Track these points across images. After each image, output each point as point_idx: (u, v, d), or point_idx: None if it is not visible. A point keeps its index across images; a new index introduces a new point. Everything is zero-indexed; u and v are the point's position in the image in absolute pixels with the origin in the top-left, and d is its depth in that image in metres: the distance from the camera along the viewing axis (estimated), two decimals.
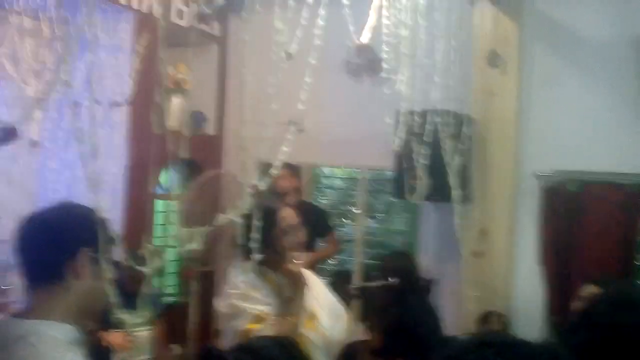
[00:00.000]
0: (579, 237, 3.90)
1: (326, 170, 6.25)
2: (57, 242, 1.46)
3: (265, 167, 2.31)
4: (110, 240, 1.52)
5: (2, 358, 1.32)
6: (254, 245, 2.09)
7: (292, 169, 4.51)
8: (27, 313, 1.43)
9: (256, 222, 2.10)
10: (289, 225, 2.32)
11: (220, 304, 2.38)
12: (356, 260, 5.11)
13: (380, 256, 4.34)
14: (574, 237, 3.91)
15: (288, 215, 2.33)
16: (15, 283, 3.02)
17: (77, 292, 1.44)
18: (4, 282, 3.57)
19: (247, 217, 2.13)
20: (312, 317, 2.32)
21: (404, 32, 2.63)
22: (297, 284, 2.30)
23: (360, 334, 4.53)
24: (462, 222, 3.62)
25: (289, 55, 2.11)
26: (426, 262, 4.23)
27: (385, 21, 2.59)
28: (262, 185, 2.04)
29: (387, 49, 2.61)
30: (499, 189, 4.01)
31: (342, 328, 2.47)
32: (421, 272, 3.83)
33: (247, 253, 2.30)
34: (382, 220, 6.37)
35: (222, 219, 1.89)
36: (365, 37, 2.43)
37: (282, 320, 2.23)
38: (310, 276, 2.42)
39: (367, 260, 5.41)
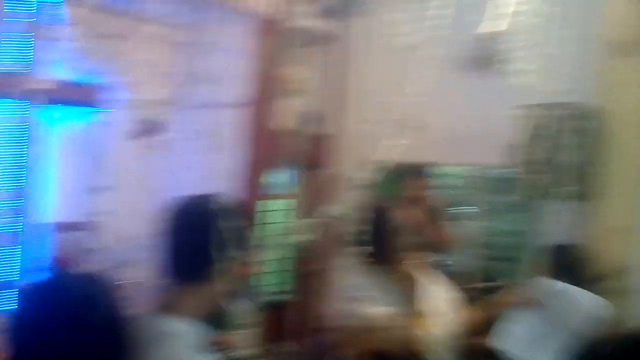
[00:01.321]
0: None
1: (444, 169, 6.13)
2: (211, 242, 1.47)
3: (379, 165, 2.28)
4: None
5: (147, 353, 1.37)
6: (365, 243, 2.07)
7: (423, 176, 4.44)
8: (167, 310, 1.47)
9: (367, 220, 2.07)
10: (407, 225, 2.28)
11: (334, 305, 2.39)
12: (472, 261, 4.98)
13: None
14: None
15: (409, 215, 2.28)
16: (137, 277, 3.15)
17: (216, 293, 1.49)
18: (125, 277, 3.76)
19: (375, 218, 2.10)
20: (423, 315, 2.28)
21: (534, 20, 2.53)
22: (410, 286, 2.26)
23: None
24: (582, 221, 3.43)
25: (413, 47, 2.08)
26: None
27: (513, 9, 2.50)
28: (373, 181, 2.02)
29: (512, 38, 2.51)
30: (628, 186, 3.75)
31: (453, 325, 2.42)
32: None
33: (358, 252, 2.30)
34: (498, 219, 6.17)
35: (333, 210, 1.90)
36: (491, 26, 2.36)
37: (397, 321, 2.20)
38: (421, 275, 2.37)
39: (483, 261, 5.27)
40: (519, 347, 2.59)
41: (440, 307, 2.37)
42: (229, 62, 4.22)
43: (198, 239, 1.47)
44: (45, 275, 1.43)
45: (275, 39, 4.44)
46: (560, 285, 2.69)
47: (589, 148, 3.45)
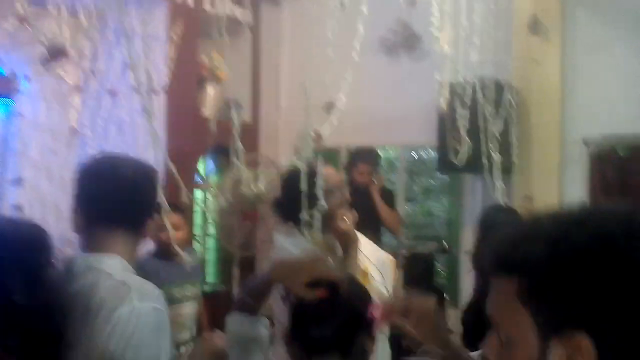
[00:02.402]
0: (629, 202, 3.76)
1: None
2: (143, 198, 1.55)
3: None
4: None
5: (76, 284, 1.41)
6: (298, 207, 2.02)
7: (369, 160, 4.52)
8: (93, 248, 1.51)
9: (300, 185, 2.02)
10: (333, 185, 2.25)
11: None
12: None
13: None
14: (624, 202, 3.77)
15: (330, 175, 2.25)
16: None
17: (139, 244, 1.57)
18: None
19: (288, 181, 2.06)
20: (364, 274, 2.26)
21: None
22: (350, 242, 2.23)
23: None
24: (506, 192, 3.52)
25: (344, 5, 2.05)
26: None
27: None
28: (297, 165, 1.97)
29: (429, 11, 2.54)
30: (544, 158, 3.91)
31: (391, 281, 2.43)
32: None
33: (289, 216, 2.25)
34: (421, 202, 6.31)
35: (286, 163, 1.85)
36: (407, 3, 2.37)
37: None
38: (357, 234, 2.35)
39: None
40: None
41: (374, 262, 2.36)
42: (143, 49, 4.08)
43: (138, 192, 1.54)
44: None
45: (191, 26, 4.34)
46: None
47: (507, 121, 3.55)
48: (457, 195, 4.86)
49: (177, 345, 3.00)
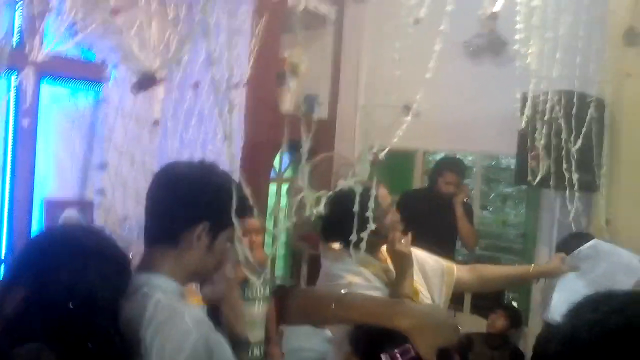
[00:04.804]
0: None
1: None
2: (178, 208, 1.48)
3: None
4: (242, 212, 1.50)
5: (124, 309, 1.38)
6: (344, 229, 1.97)
7: (457, 170, 4.44)
8: (141, 267, 1.49)
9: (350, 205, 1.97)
10: (386, 206, 2.19)
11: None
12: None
13: None
14: None
15: (383, 196, 2.19)
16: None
17: (190, 260, 1.48)
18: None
19: (338, 201, 2.03)
20: (416, 292, 2.22)
21: (535, 2, 2.46)
22: (406, 265, 2.18)
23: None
24: (585, 211, 3.39)
25: (417, 21, 1.99)
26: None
27: None
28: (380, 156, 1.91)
29: (515, 20, 2.45)
30: (633, 179, 3.72)
31: (445, 288, 2.39)
32: None
33: (337, 238, 2.21)
34: (496, 210, 6.15)
35: (342, 184, 1.81)
36: (493, 6, 2.28)
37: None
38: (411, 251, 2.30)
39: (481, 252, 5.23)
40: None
41: (427, 279, 2.33)
42: (227, 43, 4.14)
43: (169, 204, 1.49)
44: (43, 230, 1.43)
45: (274, 21, 4.37)
46: (604, 245, 2.63)
47: (592, 137, 3.40)
48: (534, 208, 4.71)
49: (250, 346, 3.02)
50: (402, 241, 2.17)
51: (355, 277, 2.16)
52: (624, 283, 2.40)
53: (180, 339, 1.33)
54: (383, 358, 1.38)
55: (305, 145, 1.94)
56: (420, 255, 2.42)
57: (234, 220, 1.43)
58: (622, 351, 0.74)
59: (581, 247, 2.59)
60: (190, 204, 1.48)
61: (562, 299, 2.48)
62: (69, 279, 1.28)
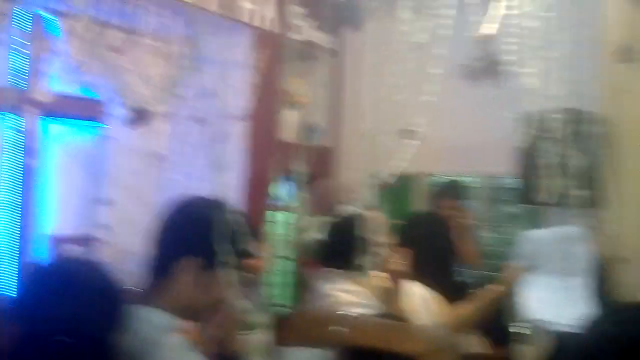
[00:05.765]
0: None
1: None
2: (171, 241, 1.52)
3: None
4: (235, 250, 1.50)
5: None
6: (343, 253, 2.01)
7: (454, 194, 4.48)
8: (136, 301, 1.50)
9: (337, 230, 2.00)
10: (380, 228, 2.26)
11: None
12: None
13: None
14: None
15: (377, 218, 2.25)
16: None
17: (179, 293, 1.49)
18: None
19: (338, 226, 2.04)
20: (409, 313, 2.26)
21: (531, 23, 2.50)
22: (398, 284, 2.22)
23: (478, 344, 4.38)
24: (590, 228, 3.38)
25: (419, 46, 2.04)
26: None
27: (509, 12, 2.48)
28: (389, 180, 1.96)
29: (512, 41, 2.49)
30: (635, 193, 3.73)
31: (436, 318, 2.41)
32: None
33: (332, 262, 2.27)
34: (502, 230, 6.15)
35: (344, 210, 1.85)
36: (489, 29, 2.33)
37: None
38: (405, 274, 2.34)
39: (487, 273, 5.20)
40: (544, 311, 2.47)
41: (418, 301, 2.36)
42: (227, 75, 4.19)
43: (161, 238, 1.53)
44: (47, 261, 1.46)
45: (274, 52, 4.42)
46: (535, 233, 2.62)
47: (594, 154, 3.42)
48: (539, 227, 4.71)
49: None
50: (394, 260, 2.24)
51: (349, 296, 2.22)
52: (577, 254, 2.38)
53: None
54: None
55: (301, 171, 1.98)
56: (412, 286, 2.47)
57: (228, 258, 1.44)
58: None
59: (517, 247, 2.59)
60: (181, 236, 1.51)
61: (532, 297, 2.47)
62: (58, 312, 1.30)
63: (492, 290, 2.64)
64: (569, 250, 2.39)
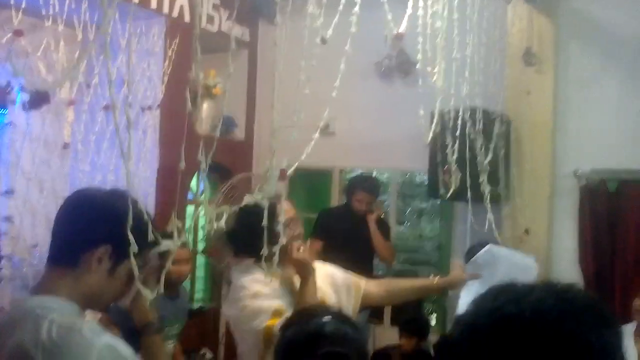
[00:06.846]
0: (618, 236, 3.81)
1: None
2: (80, 230, 1.47)
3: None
4: (143, 242, 1.47)
5: (15, 334, 1.34)
6: (253, 242, 2.02)
7: (369, 188, 4.50)
8: (37, 290, 1.47)
9: (251, 220, 2.02)
10: (289, 219, 2.28)
11: (231, 308, 2.33)
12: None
13: None
14: (614, 236, 3.83)
15: (287, 209, 2.27)
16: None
17: (89, 283, 1.46)
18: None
19: (247, 216, 2.05)
20: (322, 300, 2.29)
21: (439, 24, 2.57)
22: (307, 272, 2.26)
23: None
24: (498, 222, 3.53)
25: (324, 41, 2.05)
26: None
27: (420, 12, 2.54)
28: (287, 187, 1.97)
29: (422, 40, 2.55)
30: (536, 189, 3.92)
31: (353, 301, 2.48)
32: None
33: (246, 251, 2.28)
34: (413, 225, 6.32)
35: (248, 199, 1.84)
36: (400, 28, 2.38)
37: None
38: (314, 262, 2.38)
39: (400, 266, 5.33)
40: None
41: (333, 285, 2.41)
42: (139, 64, 4.10)
43: (70, 225, 1.48)
44: None
45: (186, 42, 4.34)
46: (498, 249, 2.75)
47: (498, 152, 3.56)
48: (448, 220, 4.87)
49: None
50: (301, 250, 2.26)
51: (262, 287, 2.23)
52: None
53: (83, 352, 1.31)
54: None
55: (214, 164, 1.96)
56: (330, 269, 2.52)
57: (136, 248, 1.41)
58: (515, 337, 0.84)
59: (477, 254, 2.70)
60: (92, 226, 1.46)
61: (465, 303, 2.56)
62: None
63: (432, 280, 2.73)
64: (518, 277, 2.51)
